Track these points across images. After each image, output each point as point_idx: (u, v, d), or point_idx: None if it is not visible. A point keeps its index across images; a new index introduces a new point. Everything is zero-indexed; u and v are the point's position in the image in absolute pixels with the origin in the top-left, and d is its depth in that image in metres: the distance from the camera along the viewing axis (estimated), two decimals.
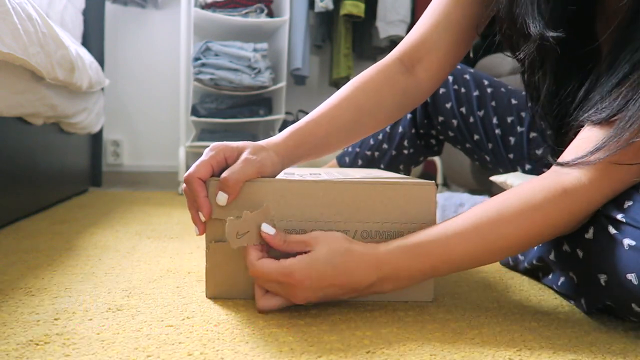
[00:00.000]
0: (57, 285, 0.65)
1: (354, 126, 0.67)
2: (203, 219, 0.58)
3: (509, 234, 0.53)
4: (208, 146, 0.59)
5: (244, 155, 0.58)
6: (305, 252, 0.54)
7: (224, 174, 0.56)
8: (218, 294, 0.61)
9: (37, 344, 0.46)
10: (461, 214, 0.56)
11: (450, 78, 0.98)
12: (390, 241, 0.56)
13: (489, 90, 0.96)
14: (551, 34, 0.57)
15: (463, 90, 0.97)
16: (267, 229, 0.56)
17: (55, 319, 0.52)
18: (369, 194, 0.59)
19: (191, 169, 0.57)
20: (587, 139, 0.53)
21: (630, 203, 0.51)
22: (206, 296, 0.61)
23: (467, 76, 0.98)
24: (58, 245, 0.89)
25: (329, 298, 0.55)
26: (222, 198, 0.56)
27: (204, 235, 0.60)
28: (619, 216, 0.51)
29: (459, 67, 0.99)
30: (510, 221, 0.53)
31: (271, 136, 0.65)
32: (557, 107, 0.66)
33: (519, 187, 0.55)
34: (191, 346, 0.47)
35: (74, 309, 0.56)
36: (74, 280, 0.67)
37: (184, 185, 0.58)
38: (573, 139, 0.57)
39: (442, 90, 0.98)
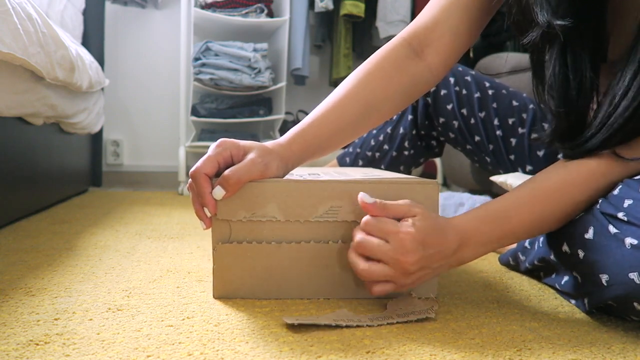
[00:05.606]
0: (57, 285, 0.65)
1: (359, 123, 0.66)
2: (209, 214, 0.58)
3: (577, 198, 0.57)
4: (208, 146, 0.59)
5: (251, 156, 0.58)
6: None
7: (227, 171, 0.56)
8: (225, 295, 0.61)
9: (37, 344, 0.46)
10: (525, 182, 0.59)
11: (452, 80, 0.97)
12: (464, 213, 0.58)
13: (490, 92, 0.96)
14: (558, 22, 0.56)
15: (464, 91, 0.97)
16: (366, 197, 0.56)
17: (55, 319, 0.52)
18: (373, 193, 0.59)
19: (197, 164, 0.57)
20: None
21: (630, 202, 0.51)
22: (213, 297, 0.61)
23: (468, 78, 0.97)
24: (58, 245, 0.89)
25: (428, 265, 0.55)
26: (219, 193, 0.56)
27: (204, 235, 0.60)
28: (620, 215, 0.51)
29: (460, 69, 0.99)
30: (576, 185, 0.57)
31: (271, 136, 0.65)
32: (571, 94, 0.63)
33: (580, 160, 0.58)
34: (191, 346, 0.47)
35: (74, 309, 0.56)
36: (74, 280, 0.67)
37: (190, 180, 0.58)
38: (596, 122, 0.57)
39: (443, 92, 0.98)
